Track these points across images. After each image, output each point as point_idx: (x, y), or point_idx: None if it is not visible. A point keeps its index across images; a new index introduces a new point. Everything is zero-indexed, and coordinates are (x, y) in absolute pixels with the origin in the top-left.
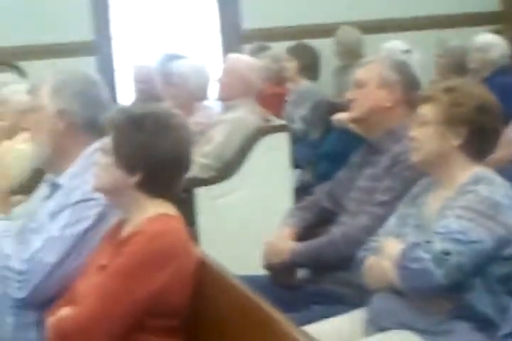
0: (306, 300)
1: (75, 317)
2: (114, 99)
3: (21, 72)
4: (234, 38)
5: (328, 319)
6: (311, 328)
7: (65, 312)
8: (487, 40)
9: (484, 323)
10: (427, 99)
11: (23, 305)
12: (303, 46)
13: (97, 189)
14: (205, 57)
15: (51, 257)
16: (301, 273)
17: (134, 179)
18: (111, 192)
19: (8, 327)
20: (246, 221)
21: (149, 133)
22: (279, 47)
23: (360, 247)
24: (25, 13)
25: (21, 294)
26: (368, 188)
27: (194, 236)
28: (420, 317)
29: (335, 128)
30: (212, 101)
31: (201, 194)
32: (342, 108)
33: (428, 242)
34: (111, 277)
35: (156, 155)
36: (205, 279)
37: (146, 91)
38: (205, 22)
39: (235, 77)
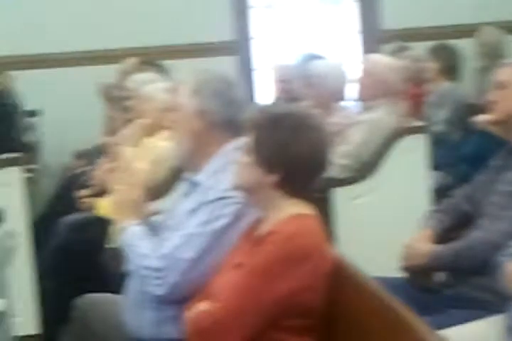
0: (443, 304)
1: (211, 312)
2: (252, 98)
3: (164, 71)
4: (374, 38)
5: (465, 324)
6: (447, 332)
7: (201, 307)
8: None
9: None
10: None
11: (163, 300)
12: (444, 46)
13: (236, 187)
14: (344, 57)
15: (189, 254)
16: (440, 277)
17: (273, 178)
18: (249, 190)
19: (147, 321)
20: (383, 222)
21: (288, 133)
22: (419, 48)
23: (498, 252)
24: (169, 14)
25: (160, 291)
26: (508, 192)
27: (330, 237)
28: None
29: (475, 130)
30: (350, 102)
31: (338, 194)
32: (483, 109)
33: None
34: (247, 275)
35: (294, 155)
36: (340, 280)
37: (287, 91)
38: (345, 22)
39: (374, 77)
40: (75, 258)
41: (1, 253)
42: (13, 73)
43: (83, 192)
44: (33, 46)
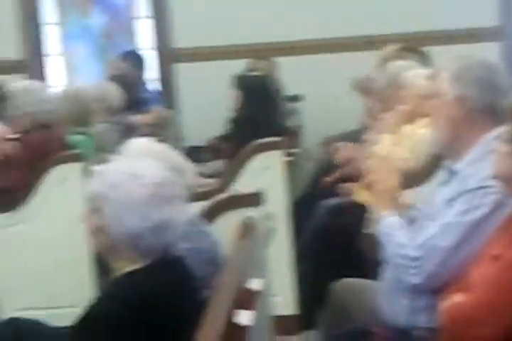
0: None
1: (466, 304)
2: None
3: (425, 58)
4: None
5: None
6: None
7: (457, 298)
8: None
9: None
10: None
11: (418, 290)
12: None
13: (496, 177)
14: None
15: (446, 243)
16: None
17: None
18: (508, 180)
19: (402, 309)
20: None
21: None
22: None
23: None
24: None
25: (416, 280)
26: None
27: None
28: None
29: None
30: None
31: None
32: None
33: None
34: (505, 268)
35: None
36: None
37: None
38: None
39: None
40: (332, 242)
41: (262, 234)
42: (277, 59)
43: (340, 176)
44: (295, 33)
